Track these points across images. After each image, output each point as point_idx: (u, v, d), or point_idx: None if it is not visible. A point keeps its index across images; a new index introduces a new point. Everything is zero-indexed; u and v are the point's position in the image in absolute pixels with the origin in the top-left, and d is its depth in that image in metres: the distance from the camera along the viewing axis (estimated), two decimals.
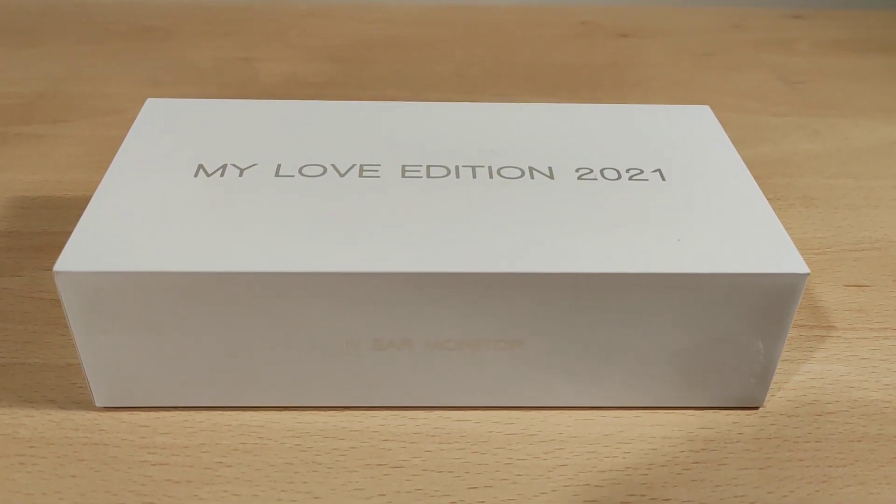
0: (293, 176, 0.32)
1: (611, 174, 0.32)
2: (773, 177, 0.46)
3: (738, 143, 0.48)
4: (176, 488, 0.28)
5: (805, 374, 0.33)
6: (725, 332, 0.29)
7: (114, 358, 0.29)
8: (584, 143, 0.34)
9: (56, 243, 0.38)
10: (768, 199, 0.43)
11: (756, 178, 0.45)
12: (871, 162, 0.47)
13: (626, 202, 0.31)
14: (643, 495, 0.28)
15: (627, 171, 0.33)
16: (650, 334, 0.29)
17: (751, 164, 0.46)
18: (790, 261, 0.28)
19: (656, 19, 0.65)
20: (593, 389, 0.31)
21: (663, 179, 0.32)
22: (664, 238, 0.29)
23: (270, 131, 0.34)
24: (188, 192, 0.30)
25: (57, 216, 0.40)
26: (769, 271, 0.28)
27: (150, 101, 0.36)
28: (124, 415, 0.30)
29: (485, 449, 0.30)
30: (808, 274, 0.28)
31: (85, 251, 0.27)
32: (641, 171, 0.33)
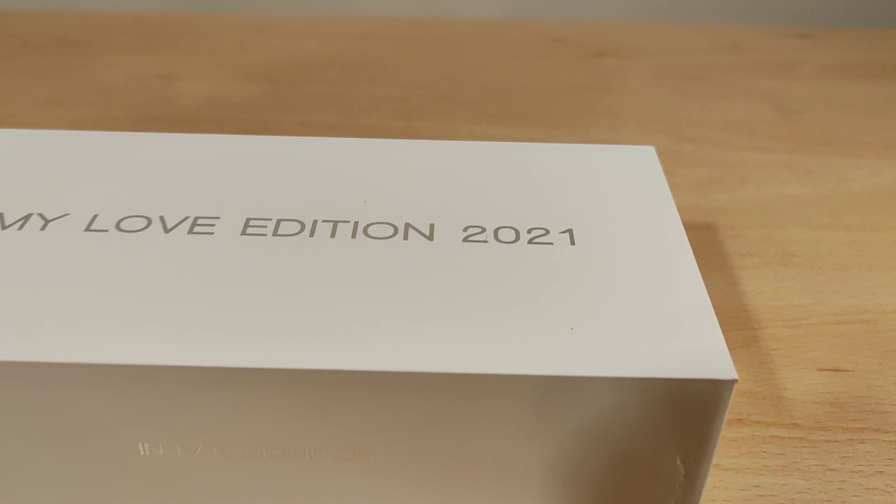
0: (107, 231, 0.25)
1: (507, 235, 0.26)
2: (750, 227, 0.38)
3: (716, 182, 0.42)
4: None
5: (752, 491, 0.26)
6: (631, 449, 0.22)
7: None
8: (486, 193, 0.28)
9: None
10: (740, 255, 0.37)
11: (728, 228, 0.38)
12: (870, 211, 0.40)
13: (516, 273, 0.24)
14: None
15: (529, 231, 0.26)
16: (532, 444, 0.22)
17: (725, 212, 0.39)
18: (714, 362, 0.22)
19: (642, 36, 0.58)
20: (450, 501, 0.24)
21: (572, 244, 0.26)
22: (554, 325, 0.22)
23: (106, 171, 0.28)
24: None
25: None
26: (683, 376, 0.21)
27: None
28: None
29: None
30: (735, 381, 0.21)
31: None
32: (547, 232, 0.26)
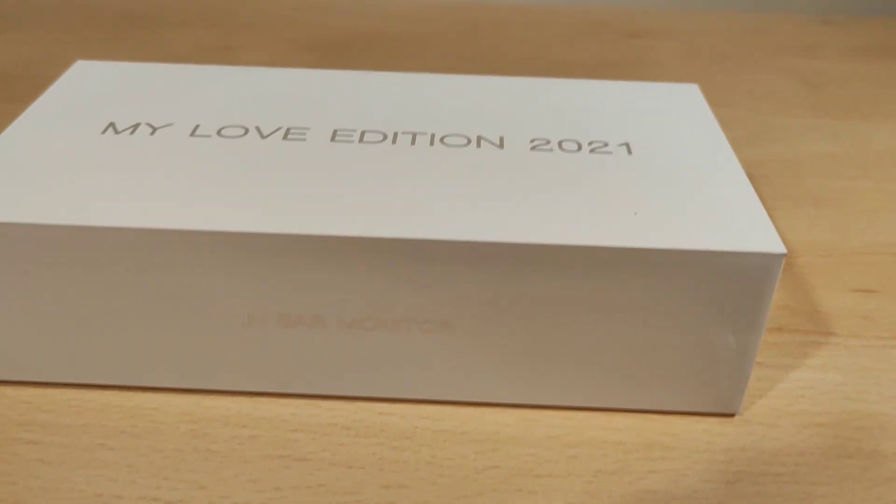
0: (210, 136, 0.28)
1: (570, 146, 0.29)
2: (782, 177, 0.41)
3: (747, 141, 0.44)
4: (45, 470, 0.24)
5: (794, 382, 0.29)
6: (689, 323, 0.25)
7: None
8: (545, 114, 0.31)
9: None
10: (774, 200, 0.39)
11: (762, 177, 0.41)
12: (892, 166, 0.43)
13: (581, 174, 0.27)
14: None
15: (590, 143, 0.29)
16: (603, 321, 0.25)
17: (758, 164, 0.42)
18: (765, 239, 0.24)
19: (673, 20, 0.61)
20: (539, 384, 0.27)
21: (630, 153, 0.28)
22: (620, 211, 0.25)
23: (198, 94, 0.31)
24: (89, 148, 0.27)
25: None
26: (738, 249, 0.24)
27: (79, 63, 0.34)
28: (8, 389, 0.27)
29: (406, 445, 0.26)
30: (784, 254, 0.24)
31: None
32: (606, 145, 0.29)
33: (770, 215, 0.38)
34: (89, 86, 0.32)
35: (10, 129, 0.28)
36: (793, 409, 0.28)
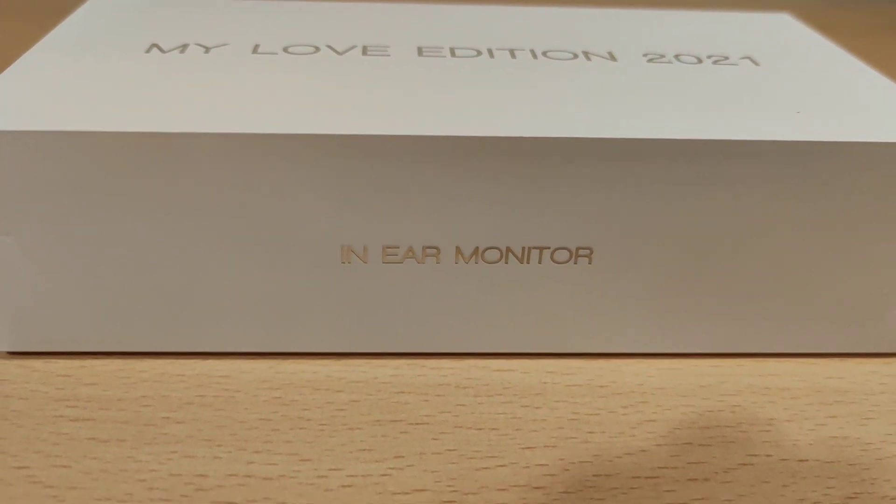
0: (276, 53, 0.24)
1: (689, 59, 0.25)
2: None
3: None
4: (102, 449, 0.19)
5: None
6: (860, 234, 0.21)
7: (21, 274, 0.21)
8: (646, 30, 0.27)
9: None
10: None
11: None
12: None
13: (717, 83, 0.23)
14: (769, 456, 0.20)
15: (709, 56, 0.25)
16: (762, 235, 0.21)
17: None
18: None
19: None
20: (682, 327, 0.23)
21: (756, 64, 0.25)
22: (777, 110, 0.22)
23: (251, 15, 0.27)
24: (136, 65, 0.23)
25: None
26: None
27: None
28: (37, 362, 0.22)
29: (539, 403, 0.21)
30: None
31: None
32: (727, 58, 0.25)
33: None
34: (121, 6, 0.27)
35: (35, 50, 0.23)
36: None
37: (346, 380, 0.22)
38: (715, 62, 0.25)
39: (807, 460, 0.20)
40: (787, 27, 0.29)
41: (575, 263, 0.21)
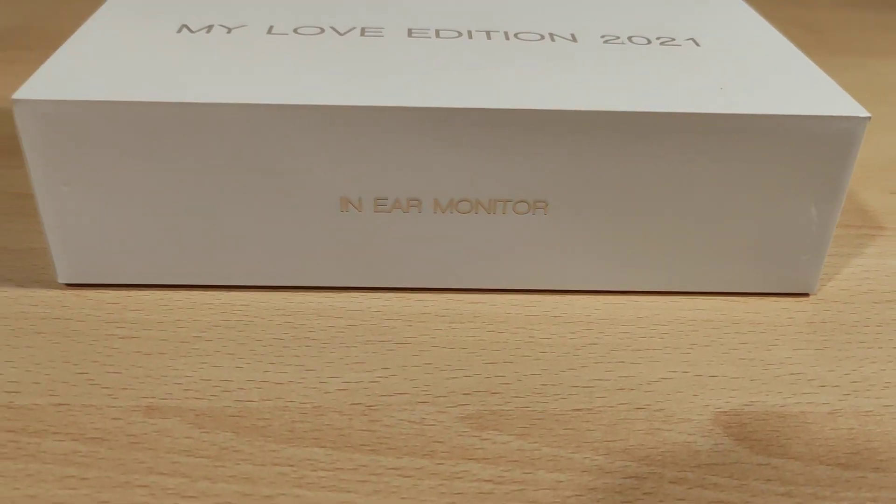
0: (287, 34, 0.28)
1: (640, 41, 0.29)
2: None
3: None
4: (146, 360, 0.24)
5: (857, 267, 0.30)
6: (774, 193, 0.26)
7: (79, 219, 0.25)
8: (607, 15, 0.31)
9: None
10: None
11: None
12: None
13: (659, 62, 0.28)
14: (686, 372, 0.25)
15: (658, 38, 0.30)
16: (691, 194, 0.26)
17: None
18: (847, 105, 0.25)
19: None
20: (623, 267, 0.27)
21: (698, 45, 0.29)
22: (704, 86, 0.26)
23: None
24: (169, 44, 0.27)
25: None
26: (825, 114, 0.25)
27: None
28: (90, 292, 0.27)
29: (502, 328, 0.26)
30: (869, 118, 0.25)
31: (50, 81, 0.24)
32: (673, 39, 0.30)
33: None
34: None
35: (80, 32, 0.28)
36: (862, 288, 0.29)
37: (344, 308, 0.26)
38: (662, 43, 0.29)
39: (716, 376, 0.24)
40: (732, 8, 0.33)
41: (533, 214, 0.26)
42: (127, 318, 0.26)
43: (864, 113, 0.25)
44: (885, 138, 0.39)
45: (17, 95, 0.23)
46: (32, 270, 0.28)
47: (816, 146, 0.25)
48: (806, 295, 0.28)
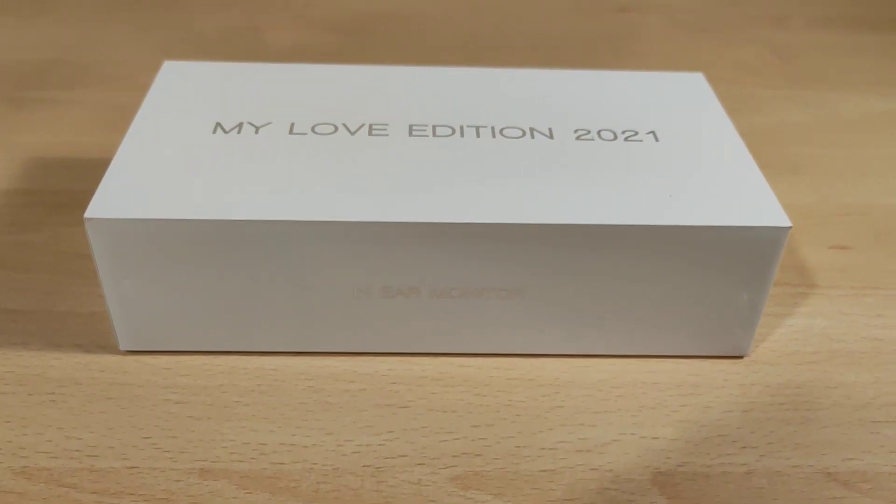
0: (306, 134, 0.33)
1: (607, 135, 0.34)
2: (763, 145, 0.47)
3: (731, 112, 0.50)
4: (198, 424, 0.30)
5: (788, 328, 0.35)
6: (712, 282, 0.31)
7: (138, 302, 0.31)
8: (583, 106, 0.36)
9: (76, 200, 0.40)
10: (759, 167, 0.45)
11: (748, 146, 0.47)
12: (860, 133, 0.49)
13: (621, 161, 0.33)
14: (633, 434, 0.30)
15: (623, 132, 0.34)
16: (641, 285, 0.31)
17: (743, 133, 0.48)
18: (773, 215, 0.30)
19: None
20: (588, 338, 0.33)
21: (657, 140, 0.34)
22: (656, 193, 0.31)
23: (283, 93, 0.36)
24: (208, 147, 0.32)
25: (75, 175, 0.42)
26: (753, 224, 0.30)
27: (167, 64, 0.38)
28: (147, 358, 0.32)
29: (486, 392, 0.32)
30: (790, 227, 0.30)
31: (113, 199, 0.29)
32: (636, 133, 0.34)
33: None
34: (185, 87, 0.36)
35: (132, 132, 0.33)
36: (789, 349, 0.34)
37: (357, 372, 0.32)
38: (627, 139, 0.34)
39: (658, 438, 0.30)
40: (697, 98, 0.37)
41: (511, 300, 0.31)
42: (178, 382, 0.31)
43: (786, 223, 0.30)
44: (834, 186, 0.44)
45: (87, 214, 0.28)
46: (97, 335, 0.33)
47: (747, 248, 0.30)
48: (741, 357, 0.34)
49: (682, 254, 0.30)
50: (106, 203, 0.29)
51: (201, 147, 0.32)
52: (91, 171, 0.42)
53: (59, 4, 0.60)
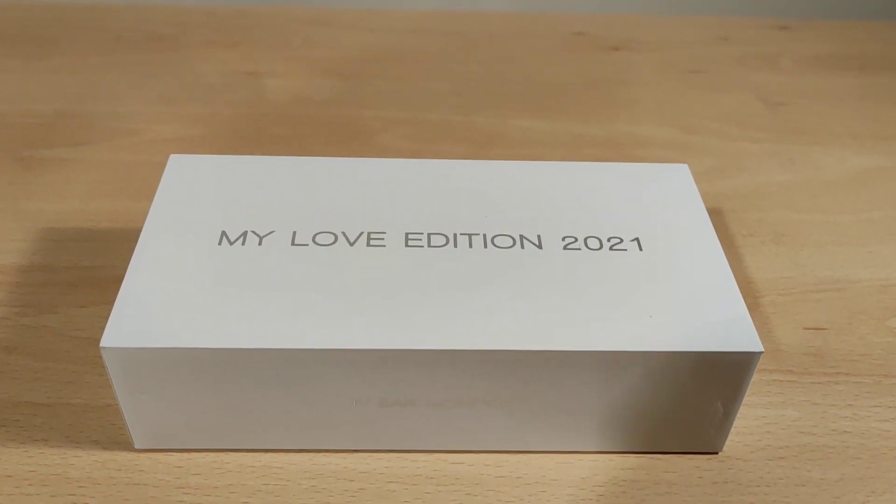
0: (307, 245, 0.35)
1: (593, 243, 0.36)
2: (747, 211, 0.49)
3: (718, 173, 0.52)
4: None
5: (760, 420, 0.37)
6: (688, 394, 0.33)
7: (152, 411, 0.33)
8: (570, 207, 0.38)
9: (88, 279, 0.42)
10: (742, 236, 0.47)
11: (732, 212, 0.49)
12: (840, 195, 0.51)
13: (606, 274, 0.34)
14: None
15: (609, 239, 0.36)
16: (621, 397, 0.33)
17: (729, 198, 0.50)
18: (747, 339, 0.32)
19: (646, 29, 0.67)
20: (570, 438, 0.35)
21: (640, 250, 0.36)
22: (638, 313, 0.33)
23: (284, 194, 0.38)
24: (214, 262, 0.34)
25: (86, 249, 0.44)
26: (727, 350, 0.32)
27: (173, 158, 0.39)
28: (160, 456, 0.34)
29: (477, 491, 0.34)
30: (762, 352, 0.32)
31: (127, 327, 0.31)
32: (621, 241, 0.36)
33: (741, 252, 0.46)
34: (190, 189, 0.38)
35: (140, 248, 0.34)
36: (761, 444, 0.36)
37: (356, 470, 0.34)
38: (612, 248, 0.36)
39: None
40: (683, 205, 0.39)
41: (502, 410, 0.33)
42: (190, 482, 0.34)
43: (758, 348, 0.32)
44: (811, 256, 0.46)
45: (103, 343, 0.31)
46: (112, 430, 0.35)
47: (721, 367, 0.32)
48: (715, 453, 0.36)
49: (661, 372, 0.32)
50: (120, 331, 0.31)
51: (208, 262, 0.34)
52: (101, 243, 0.44)
53: (61, 47, 0.61)
